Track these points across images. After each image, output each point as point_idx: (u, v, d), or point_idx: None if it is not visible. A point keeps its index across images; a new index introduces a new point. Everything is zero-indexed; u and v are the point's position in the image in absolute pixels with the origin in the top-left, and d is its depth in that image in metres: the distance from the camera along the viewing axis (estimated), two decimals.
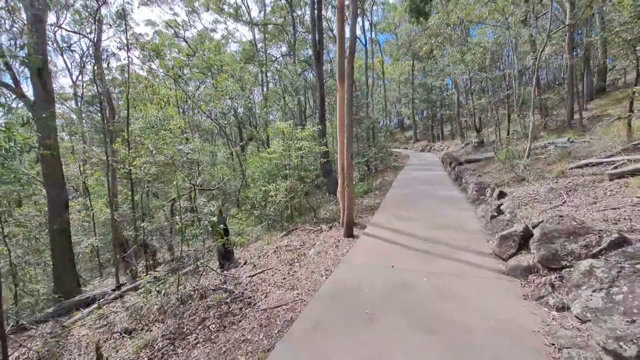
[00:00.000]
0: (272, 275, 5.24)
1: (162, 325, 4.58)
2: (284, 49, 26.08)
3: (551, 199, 5.60)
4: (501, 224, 5.64)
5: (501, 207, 6.09)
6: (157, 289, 5.03)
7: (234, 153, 17.25)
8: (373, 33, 37.33)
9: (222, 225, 6.40)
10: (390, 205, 8.97)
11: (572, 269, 3.44)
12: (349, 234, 6.40)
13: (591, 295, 2.97)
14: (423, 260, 4.79)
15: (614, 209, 4.21)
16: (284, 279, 4.99)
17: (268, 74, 27.04)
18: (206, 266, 5.94)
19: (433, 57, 23.01)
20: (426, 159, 23.65)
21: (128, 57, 11.75)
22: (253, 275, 5.45)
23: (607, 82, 20.96)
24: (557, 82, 25.47)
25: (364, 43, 26.29)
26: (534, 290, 3.56)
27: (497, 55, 13.41)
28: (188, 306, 4.92)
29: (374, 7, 34.32)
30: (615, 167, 5.75)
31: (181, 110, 19.47)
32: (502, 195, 6.64)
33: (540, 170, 7.58)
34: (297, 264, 5.57)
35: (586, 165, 6.62)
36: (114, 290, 7.31)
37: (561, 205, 5.17)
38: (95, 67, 12.19)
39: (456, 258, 4.73)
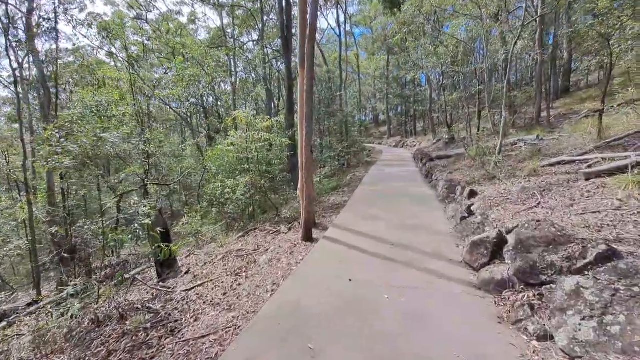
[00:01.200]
0: (212, 290, 4.41)
1: (61, 357, 3.64)
2: (255, 36, 24.68)
3: (524, 200, 5.17)
4: (472, 227, 5.13)
5: (472, 208, 5.61)
6: (62, 309, 4.05)
7: (197, 145, 15.94)
8: (348, 25, 36.66)
9: (159, 229, 5.44)
10: (358, 203, 8.35)
11: (554, 287, 2.90)
12: (308, 238, 5.67)
13: (580, 324, 2.42)
14: (387, 270, 4.15)
15: (595, 212, 3.77)
16: (224, 294, 4.18)
17: (239, 63, 25.60)
18: (134, 278, 4.99)
19: (406, 49, 22.68)
20: (399, 154, 23.45)
21: (56, 28, 10.18)
22: (190, 289, 4.59)
23: (571, 83, 21.68)
24: (524, 82, 26.14)
25: (338, 34, 25.49)
26: (509, 311, 3.00)
27: (469, 49, 13.17)
28: (103, 330, 3.99)
29: None
30: (590, 166, 5.42)
31: (141, 98, 17.81)
32: (472, 194, 6.18)
33: (511, 168, 7.23)
34: (244, 274, 4.77)
35: (558, 163, 6.31)
36: (29, 304, 6.14)
37: (535, 207, 4.73)
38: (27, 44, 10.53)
39: (423, 267, 4.13)
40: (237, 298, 3.88)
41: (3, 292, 8.22)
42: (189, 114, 18.35)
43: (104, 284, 5.16)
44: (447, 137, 16.32)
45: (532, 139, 10.31)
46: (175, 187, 13.73)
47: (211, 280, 4.71)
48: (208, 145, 17.98)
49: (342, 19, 29.02)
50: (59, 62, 20.21)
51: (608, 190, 4.26)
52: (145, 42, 25.49)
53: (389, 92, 34.55)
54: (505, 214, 4.86)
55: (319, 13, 35.99)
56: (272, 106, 20.94)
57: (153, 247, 5.07)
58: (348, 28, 36.03)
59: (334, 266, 4.37)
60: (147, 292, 4.99)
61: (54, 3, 15.07)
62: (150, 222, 5.04)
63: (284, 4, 12.17)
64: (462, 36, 11.07)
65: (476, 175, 8.00)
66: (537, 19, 9.47)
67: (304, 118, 5.69)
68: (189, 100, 19.56)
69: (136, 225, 4.81)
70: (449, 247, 4.76)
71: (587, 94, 16.95)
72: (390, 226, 6.00)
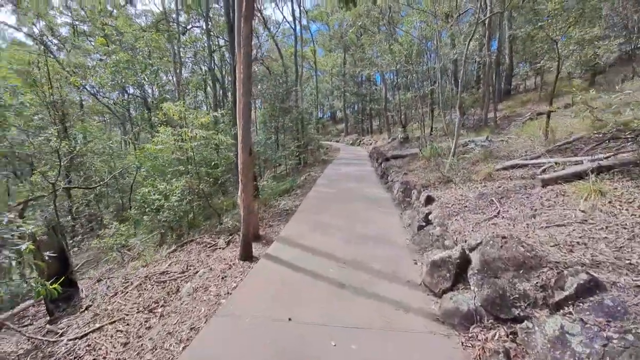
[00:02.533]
0: (111, 337, 3.35)
1: None
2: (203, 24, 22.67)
3: (483, 208, 4.81)
4: (430, 238, 4.66)
5: (429, 217, 5.15)
6: None
7: (131, 141, 14.00)
8: (305, 20, 35.80)
9: (48, 253, 4.16)
10: (310, 209, 7.62)
11: (530, 327, 2.40)
12: (246, 256, 4.79)
13: None
14: (336, 300, 3.45)
15: (560, 226, 3.42)
16: (126, 344, 3.16)
17: (189, 53, 23.36)
18: (1, 323, 3.71)
19: (362, 45, 22.47)
20: (355, 152, 23.28)
21: None
22: (81, 337, 3.47)
23: (512, 86, 23.15)
24: (470, 85, 27.45)
25: (293, 27, 24.53)
26: (480, 357, 2.44)
27: (422, 49, 13.13)
28: None
29: None
30: (544, 171, 5.25)
31: (68, 88, 15.16)
32: (429, 200, 5.77)
33: (466, 171, 7.00)
34: (159, 310, 3.76)
35: (512, 166, 6.15)
36: None
37: (496, 216, 4.36)
38: None
39: (378, 295, 3.49)
40: (138, 355, 2.89)
41: None
42: (125, 106, 16.12)
43: None
44: (401, 136, 16.33)
45: (482, 140, 10.40)
46: (105, 190, 11.85)
47: (114, 322, 3.63)
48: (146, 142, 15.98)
49: (297, 12, 28.05)
50: None
51: (568, 200, 3.99)
52: (76, 23, 22.23)
53: (346, 90, 34.42)
54: (465, 225, 4.43)
55: (273, 4, 34.48)
56: (222, 101, 19.36)
57: (36, 282, 3.80)
58: (305, 22, 35.19)
59: (272, 297, 3.56)
60: (26, 342, 3.74)
61: None
62: (31, 247, 3.77)
63: None
64: (415, 34, 10.86)
65: (431, 178, 7.70)
66: (486, 22, 9.49)
67: (242, 112, 4.77)
68: (125, 90, 17.25)
69: (6, 253, 3.53)
70: (407, 264, 4.21)
71: (527, 97, 18.07)
72: (343, 237, 5.35)
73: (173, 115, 6.81)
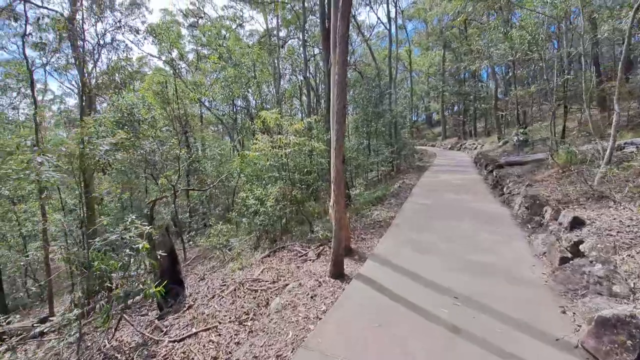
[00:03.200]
0: (204, 347, 3.35)
1: None
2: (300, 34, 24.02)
3: None
4: (584, 279, 3.37)
5: (580, 247, 3.79)
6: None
7: (235, 147, 15.58)
8: (400, 19, 34.46)
9: (160, 252, 4.58)
10: (406, 223, 6.80)
11: None
12: (337, 274, 4.37)
13: None
14: (448, 351, 2.68)
15: None
16: (215, 359, 3.08)
17: (287, 65, 25.16)
18: (121, 314, 4.16)
19: (466, 37, 20.02)
20: (456, 158, 20.88)
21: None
22: (180, 340, 3.59)
23: None
24: (614, 74, 21.43)
25: (388, 28, 23.66)
26: None
27: (552, 30, 10.58)
28: None
29: None
30: None
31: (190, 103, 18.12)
32: (577, 223, 4.30)
33: (630, 185, 5.10)
34: (248, 323, 3.64)
35: None
36: (42, 320, 5.78)
37: None
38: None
39: (513, 355, 2.57)
40: None
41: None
42: (233, 116, 18.21)
43: (91, 316, 4.45)
44: (519, 138, 13.69)
45: None
46: (214, 192, 13.37)
47: (208, 329, 3.66)
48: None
49: (392, 12, 27.05)
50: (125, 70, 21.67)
51: None
52: (199, 49, 26.49)
53: (445, 90, 31.49)
54: None
55: (367, 8, 34.29)
56: (316, 108, 19.95)
57: (144, 283, 4.17)
58: (400, 22, 33.82)
59: (367, 333, 3.00)
60: (138, 335, 4.12)
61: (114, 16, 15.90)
62: (146, 246, 4.16)
63: None
64: (541, 12, 8.69)
65: (572, 192, 5.94)
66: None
67: (335, 117, 4.41)
68: (233, 103, 19.50)
69: (127, 251, 3.97)
70: (550, 312, 3.09)
71: None
72: (451, 264, 4.42)
73: (269, 122, 7.00)
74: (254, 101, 16.34)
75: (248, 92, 12.22)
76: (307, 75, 16.56)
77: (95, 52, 12.61)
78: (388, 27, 23.90)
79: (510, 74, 19.25)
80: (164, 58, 14.87)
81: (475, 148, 22.79)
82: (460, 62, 22.05)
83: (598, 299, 2.97)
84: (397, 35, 30.06)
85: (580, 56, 19.46)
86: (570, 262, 3.84)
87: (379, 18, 62.90)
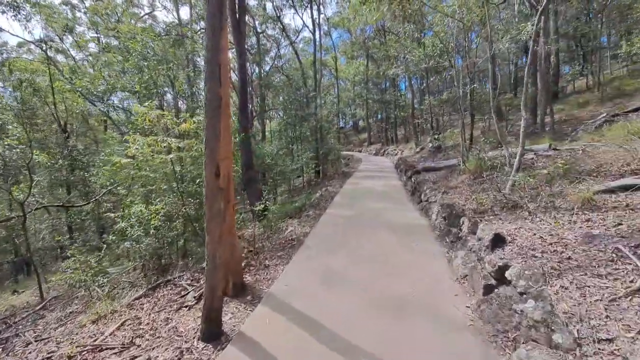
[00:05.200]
0: None
1: None
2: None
3: (606, 264, 2.80)
4: (516, 320, 2.71)
5: (506, 273, 3.17)
6: None
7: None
8: (326, 26, 34.82)
9: None
10: (319, 241, 5.82)
11: None
12: (210, 335, 3.04)
13: None
14: None
15: None
16: None
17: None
18: None
19: (384, 44, 20.70)
20: (379, 163, 21.28)
21: None
22: None
23: (559, 88, 20.35)
24: (503, 90, 24.54)
25: (312, 32, 23.23)
26: None
27: (459, 44, 11.11)
28: None
29: None
30: None
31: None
32: (499, 240, 3.78)
33: (540, 193, 4.92)
34: None
35: (623, 188, 4.05)
36: None
37: None
38: None
39: None
40: None
41: None
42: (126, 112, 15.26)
43: None
44: (433, 145, 14.23)
45: (543, 149, 8.22)
46: (94, 208, 10.66)
47: None
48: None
49: (317, 18, 26.86)
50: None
51: None
52: (102, 38, 22.25)
53: (369, 97, 32.64)
54: (585, 302, 2.45)
55: (292, 11, 33.69)
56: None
57: None
58: (325, 28, 34.15)
59: None
60: None
61: None
62: None
63: None
64: (453, 21, 8.90)
65: (485, 200, 5.68)
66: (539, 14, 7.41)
67: (206, 109, 3.10)
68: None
69: None
70: None
71: (584, 98, 15.43)
72: (363, 300, 3.49)
73: (148, 120, 5.33)
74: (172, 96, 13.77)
75: (171, 86, 9.91)
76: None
77: None
78: (313, 31, 23.50)
79: (425, 85, 20.40)
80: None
81: (397, 154, 23.71)
82: (380, 67, 22.68)
83: (536, 351, 2.26)
84: (321, 43, 30.03)
85: (481, 72, 21.63)
86: (496, 291, 3.22)
87: (304, 22, 63.39)
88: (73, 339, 3.91)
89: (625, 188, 4.02)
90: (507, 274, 3.14)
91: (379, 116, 39.37)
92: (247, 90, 10.49)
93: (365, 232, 6.03)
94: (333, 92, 42.02)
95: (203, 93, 3.03)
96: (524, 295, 2.79)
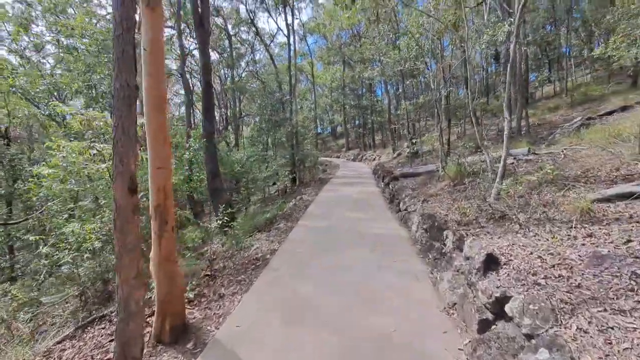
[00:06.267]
0: None
1: None
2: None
3: (627, 294, 2.26)
4: None
5: (506, 307, 2.58)
6: None
7: None
8: (302, 31, 34.43)
9: None
10: (287, 261, 5.08)
11: None
12: None
13: None
14: None
15: None
16: None
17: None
18: None
19: (360, 46, 20.45)
20: (357, 169, 20.86)
21: None
22: None
23: (528, 93, 20.86)
24: (478, 93, 25.06)
25: (287, 35, 22.58)
26: None
27: (435, 46, 10.84)
28: None
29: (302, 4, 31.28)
30: None
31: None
32: (491, 261, 3.21)
33: (529, 202, 4.46)
34: None
35: (621, 196, 3.63)
36: None
37: None
38: None
39: None
40: None
41: None
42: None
43: None
44: (410, 150, 13.92)
45: (523, 153, 7.97)
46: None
47: None
48: None
49: (293, 22, 26.32)
50: None
51: None
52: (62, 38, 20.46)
53: (346, 103, 32.40)
54: (614, 353, 1.87)
55: (266, 15, 33.09)
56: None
57: None
58: (301, 33, 33.76)
59: None
60: None
61: None
62: None
63: None
64: (429, 22, 8.60)
65: (469, 209, 5.17)
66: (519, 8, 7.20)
67: (116, 104, 2.32)
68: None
69: None
70: None
71: (554, 103, 15.74)
72: (336, 343, 2.79)
73: (79, 122, 4.42)
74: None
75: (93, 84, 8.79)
76: (184, 71, 13.76)
77: None
78: (287, 35, 22.89)
79: (401, 90, 20.27)
80: None
81: (374, 159, 23.41)
82: (355, 71, 22.36)
83: None
84: (297, 48, 29.49)
85: (455, 78, 21.75)
86: (494, 328, 2.62)
87: (278, 26, 62.53)
88: None
89: (622, 196, 3.60)
90: (507, 307, 2.54)
91: (357, 122, 39.29)
92: (212, 92, 9.65)
93: (339, 248, 5.36)
94: (310, 98, 41.64)
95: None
96: (533, 340, 2.20)
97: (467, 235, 4.23)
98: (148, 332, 3.25)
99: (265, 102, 17.83)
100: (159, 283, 3.13)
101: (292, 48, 22.58)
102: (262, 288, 4.13)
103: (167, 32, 18.15)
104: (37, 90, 8.75)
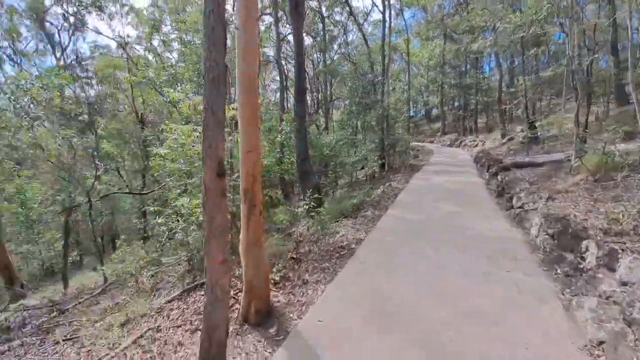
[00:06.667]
0: None
1: None
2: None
3: None
4: None
5: None
6: None
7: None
8: (398, 5, 32.06)
9: None
10: (374, 254, 4.73)
11: None
12: None
13: None
14: None
15: None
16: None
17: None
18: None
19: (468, 13, 17.77)
20: (454, 156, 18.79)
21: None
22: None
23: None
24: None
25: (382, 11, 21.24)
26: None
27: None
28: None
29: None
30: None
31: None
32: None
33: None
34: None
35: None
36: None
37: None
38: None
39: None
40: None
41: None
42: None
43: None
44: (527, 135, 11.60)
45: None
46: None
47: None
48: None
49: None
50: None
51: None
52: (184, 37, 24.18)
53: (444, 82, 29.25)
54: None
55: None
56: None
57: None
58: (398, 7, 31.41)
59: None
60: None
61: None
62: None
63: None
64: None
65: (623, 215, 3.85)
66: None
67: (208, 89, 2.28)
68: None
69: None
70: None
71: None
72: None
73: (187, 107, 4.89)
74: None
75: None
76: (280, 57, 14.29)
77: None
78: (382, 11, 21.56)
79: (517, 63, 17.01)
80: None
81: (476, 145, 20.67)
82: (460, 44, 19.61)
83: None
84: (392, 24, 27.63)
85: (595, 44, 17.29)
86: None
87: (373, 2, 59.90)
88: (95, 344, 3.64)
89: None
90: None
91: (456, 103, 35.20)
92: (304, 75, 9.71)
93: (434, 246, 4.74)
94: (404, 79, 39.11)
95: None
96: None
97: (623, 250, 3.12)
98: (237, 309, 3.39)
99: (356, 85, 17.34)
100: (246, 265, 3.19)
101: (386, 25, 21.22)
102: (346, 280, 3.91)
103: (266, 19, 19.17)
104: (161, 80, 10.48)
